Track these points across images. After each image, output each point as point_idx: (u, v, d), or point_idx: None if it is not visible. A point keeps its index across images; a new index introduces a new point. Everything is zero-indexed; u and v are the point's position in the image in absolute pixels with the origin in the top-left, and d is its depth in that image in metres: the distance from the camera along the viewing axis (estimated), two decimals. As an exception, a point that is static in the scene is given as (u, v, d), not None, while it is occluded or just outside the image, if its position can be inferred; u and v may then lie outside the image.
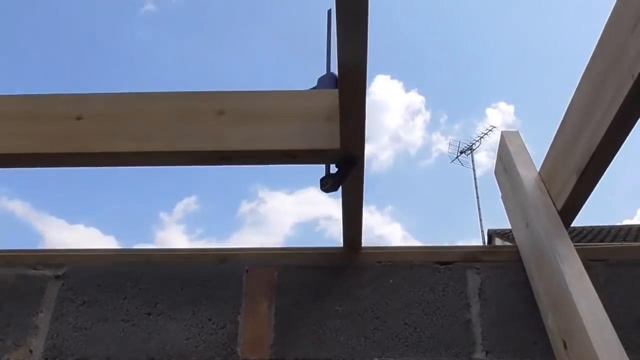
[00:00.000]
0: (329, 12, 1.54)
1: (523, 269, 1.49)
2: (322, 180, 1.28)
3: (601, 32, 1.15)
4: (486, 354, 1.43)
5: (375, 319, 1.50)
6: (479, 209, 14.77)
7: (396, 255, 1.58)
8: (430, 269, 1.55)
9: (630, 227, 12.23)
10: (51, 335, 1.52)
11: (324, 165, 1.35)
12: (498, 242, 12.27)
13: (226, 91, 1.35)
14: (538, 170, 1.55)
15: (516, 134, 1.73)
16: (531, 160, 1.59)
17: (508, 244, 11.21)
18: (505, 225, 13.08)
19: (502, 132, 1.76)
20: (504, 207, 1.72)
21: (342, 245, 1.69)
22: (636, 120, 1.09)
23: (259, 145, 1.25)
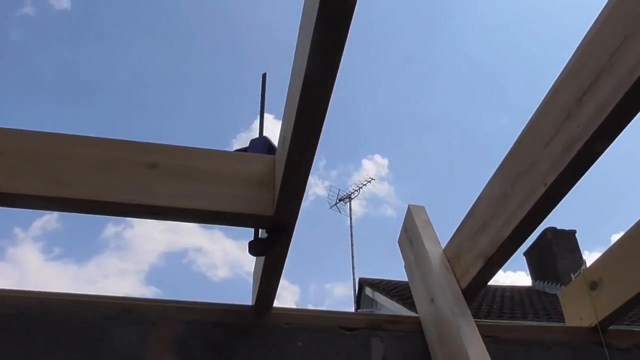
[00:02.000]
0: (264, 75, 1.58)
1: (424, 340, 1.58)
2: (251, 244, 1.29)
3: (514, 141, 1.29)
4: (384, 422, 1.48)
5: (280, 382, 1.50)
6: (353, 257, 15.22)
7: (304, 318, 1.61)
8: (337, 334, 1.59)
9: (511, 288, 13.22)
10: None
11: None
12: (368, 290, 12.69)
13: (159, 144, 1.33)
14: (443, 247, 1.66)
15: (422, 209, 1.85)
16: (436, 236, 1.71)
17: (377, 293, 11.67)
18: (376, 275, 13.61)
19: (409, 205, 1.87)
20: (407, 277, 1.82)
21: (250, 303, 1.69)
22: (541, 222, 1.23)
23: (191, 204, 1.24)
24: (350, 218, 16.71)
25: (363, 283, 13.56)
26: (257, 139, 1.45)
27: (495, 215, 1.34)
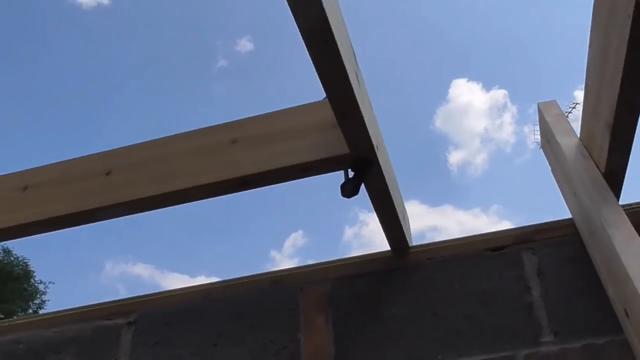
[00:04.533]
0: None
1: (581, 242, 1.40)
2: (342, 186, 1.27)
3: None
4: (554, 335, 1.34)
5: (433, 316, 1.45)
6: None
7: (446, 250, 1.53)
8: (483, 257, 1.49)
9: None
10: (130, 378, 1.60)
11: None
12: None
13: (238, 119, 1.39)
14: (579, 135, 1.45)
15: (553, 103, 1.64)
16: (570, 127, 1.50)
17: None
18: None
19: (538, 104, 1.66)
20: (555, 181, 1.62)
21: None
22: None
23: (271, 165, 1.27)
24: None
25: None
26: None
27: (601, 75, 1.13)
